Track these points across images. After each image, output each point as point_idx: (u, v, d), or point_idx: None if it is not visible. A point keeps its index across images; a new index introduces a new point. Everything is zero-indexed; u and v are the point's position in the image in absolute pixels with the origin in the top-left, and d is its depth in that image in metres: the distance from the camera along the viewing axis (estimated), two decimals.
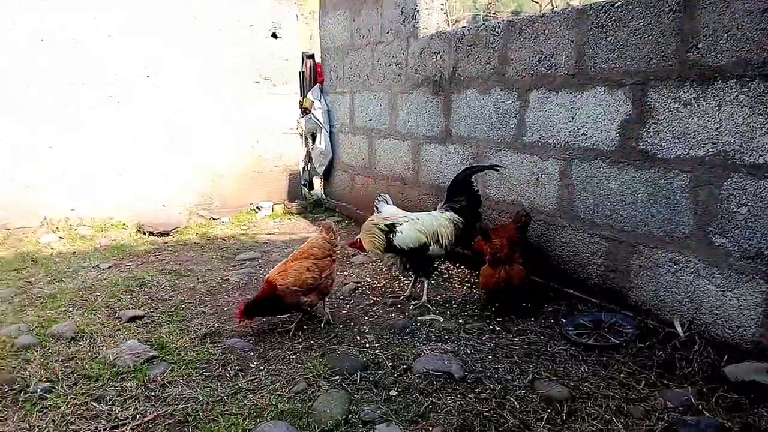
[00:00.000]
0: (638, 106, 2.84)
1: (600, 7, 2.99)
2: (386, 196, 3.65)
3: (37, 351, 2.77)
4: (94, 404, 2.31)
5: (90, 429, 2.15)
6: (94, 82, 5.33)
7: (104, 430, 2.14)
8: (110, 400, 2.34)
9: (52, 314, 3.28)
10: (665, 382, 2.41)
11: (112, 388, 2.44)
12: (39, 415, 2.23)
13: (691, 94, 2.59)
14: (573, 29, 3.14)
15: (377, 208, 3.56)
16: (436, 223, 3.34)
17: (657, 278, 2.83)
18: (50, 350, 2.79)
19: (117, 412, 2.25)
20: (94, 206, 5.47)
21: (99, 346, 2.85)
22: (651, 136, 2.79)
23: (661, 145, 2.75)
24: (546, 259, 3.47)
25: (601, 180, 3.08)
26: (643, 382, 2.40)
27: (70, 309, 3.37)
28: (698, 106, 2.57)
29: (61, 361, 2.68)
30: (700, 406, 2.19)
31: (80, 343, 2.87)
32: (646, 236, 2.86)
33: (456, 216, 3.37)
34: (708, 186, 2.56)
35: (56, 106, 5.19)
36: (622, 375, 2.47)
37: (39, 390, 2.39)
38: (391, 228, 3.27)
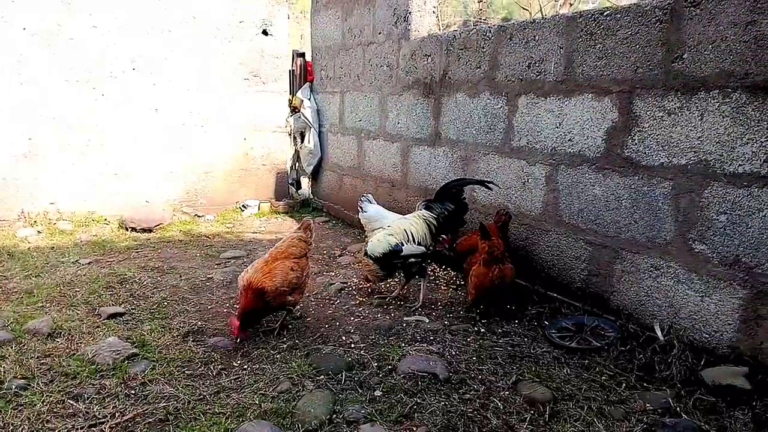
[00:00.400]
0: (624, 114, 2.88)
1: (590, 15, 3.04)
2: (369, 196, 3.68)
3: (12, 347, 2.70)
4: (72, 402, 2.26)
5: (67, 427, 2.10)
6: (79, 75, 5.25)
7: (81, 428, 2.10)
8: (88, 398, 2.30)
9: (28, 310, 3.20)
10: (645, 384, 2.45)
11: (91, 386, 2.40)
12: (14, 412, 2.18)
13: (675, 104, 2.65)
14: (563, 36, 3.18)
15: (361, 208, 3.59)
16: (405, 223, 3.39)
17: (638, 283, 2.88)
18: (26, 346, 2.73)
19: (95, 410, 2.21)
20: (75, 201, 5.38)
21: (77, 343, 2.79)
22: (636, 144, 2.84)
23: (645, 153, 2.79)
24: (530, 263, 3.50)
25: (587, 186, 3.12)
26: (624, 384, 2.44)
27: (48, 305, 3.30)
28: (682, 115, 2.62)
29: (38, 357, 2.62)
30: (678, 409, 2.23)
31: (57, 340, 2.82)
32: (629, 242, 2.91)
33: (428, 213, 3.39)
34: (689, 194, 2.61)
35: (39, 98, 5.09)
36: (603, 377, 2.51)
37: (14, 387, 2.34)
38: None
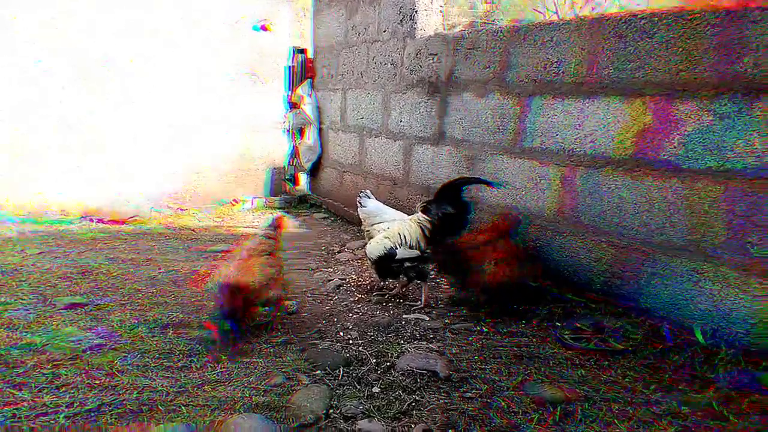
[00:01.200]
0: (661, 117, 2.74)
1: (619, 17, 2.91)
2: (367, 191, 3.59)
3: None
4: (13, 391, 2.04)
5: (7, 414, 1.88)
6: (74, 72, 5.12)
7: (26, 417, 1.88)
8: (37, 387, 2.07)
9: None
10: (680, 387, 2.25)
11: (40, 375, 2.16)
12: None
13: (729, 108, 2.49)
14: (585, 37, 3.06)
15: (360, 203, 3.50)
16: (402, 225, 3.26)
17: (673, 286, 2.73)
18: None
19: (46, 399, 1.99)
20: (27, 189, 5.11)
21: (22, 332, 2.53)
22: (675, 147, 2.69)
23: (688, 157, 2.65)
24: (542, 263, 3.37)
25: (611, 188, 2.99)
26: (653, 386, 2.25)
27: None
28: (737, 119, 2.46)
29: None
30: (724, 412, 2.04)
31: None
32: (663, 245, 2.77)
33: (423, 217, 3.25)
34: (745, 197, 2.46)
35: (35, 94, 4.97)
36: (626, 379, 2.32)
37: None
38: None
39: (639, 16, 2.83)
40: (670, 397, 2.18)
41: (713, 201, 2.58)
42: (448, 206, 3.21)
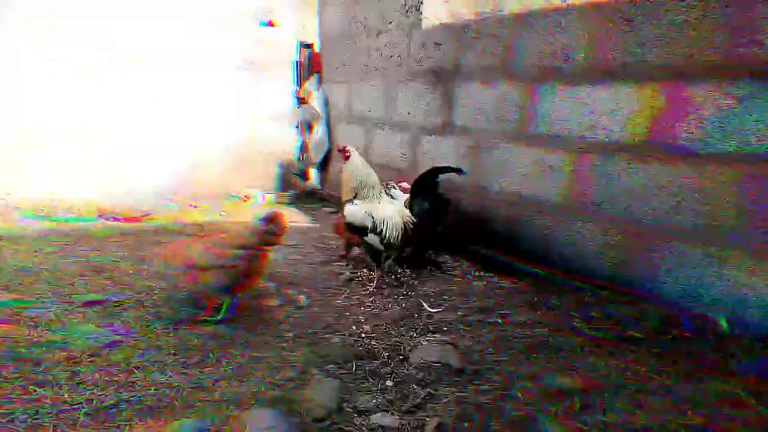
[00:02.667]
0: (674, 101, 2.69)
1: (628, 0, 2.86)
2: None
3: None
4: (36, 388, 2.06)
5: (30, 412, 1.91)
6: (77, 64, 5.13)
7: (48, 414, 1.90)
8: (58, 384, 2.09)
9: None
10: (700, 375, 2.21)
11: (61, 372, 2.19)
12: None
13: (745, 91, 2.44)
14: (592, 22, 3.02)
15: (347, 156, 3.35)
16: (392, 219, 3.21)
17: (687, 272, 2.70)
18: None
19: (66, 396, 2.01)
20: (66, 188, 5.17)
21: (42, 330, 2.55)
22: (691, 132, 2.65)
23: (706, 141, 2.60)
24: (548, 251, 3.35)
25: (621, 174, 2.96)
26: (674, 374, 2.22)
27: (2, 293, 3.01)
28: (754, 102, 2.42)
29: None
30: (747, 399, 2.01)
31: (17, 327, 2.56)
32: (675, 230, 2.74)
33: (408, 213, 3.25)
34: (759, 180, 2.43)
35: (39, 88, 4.99)
36: (644, 368, 2.29)
37: None
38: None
39: None
40: (690, 385, 2.15)
41: (730, 185, 2.54)
42: (425, 202, 3.17)
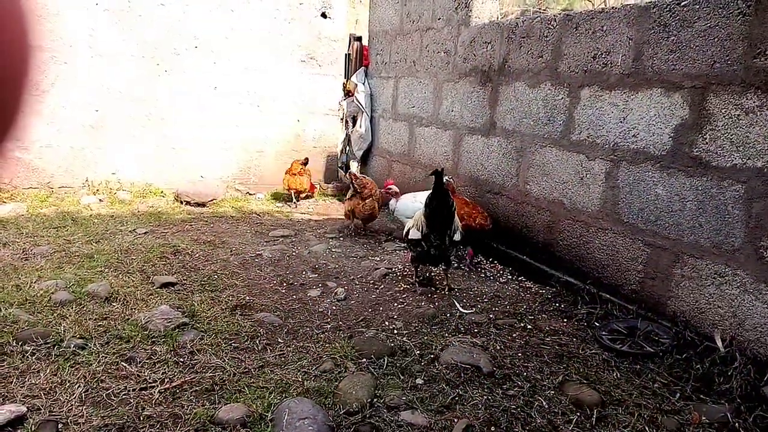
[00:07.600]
0: (696, 111, 2.70)
1: (665, 6, 2.85)
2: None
3: (72, 308, 2.82)
4: (125, 365, 2.34)
5: (119, 388, 2.18)
6: (145, 51, 5.43)
7: (133, 390, 2.17)
8: (140, 362, 2.38)
9: (88, 274, 3.34)
10: (701, 396, 2.32)
11: (143, 350, 2.48)
12: (71, 370, 2.28)
13: (755, 102, 2.45)
14: (633, 27, 3.01)
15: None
16: (419, 214, 3.41)
17: (699, 290, 2.73)
18: (85, 308, 2.85)
19: (146, 374, 2.28)
20: (135, 172, 5.59)
21: (132, 309, 2.88)
22: (707, 143, 2.66)
23: (717, 153, 2.62)
24: (583, 261, 3.38)
25: (649, 184, 2.97)
26: (678, 394, 2.33)
27: (106, 270, 3.43)
28: (762, 114, 2.43)
29: (95, 319, 2.73)
30: (737, 424, 2.10)
31: (114, 304, 2.92)
32: (692, 245, 2.75)
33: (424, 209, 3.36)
34: (764, 198, 2.43)
35: (107, 72, 5.32)
36: (656, 385, 2.40)
37: (72, 346, 2.44)
38: None
39: (681, 4, 2.74)
40: (692, 406, 2.25)
41: (735, 201, 2.53)
42: (433, 199, 3.26)
